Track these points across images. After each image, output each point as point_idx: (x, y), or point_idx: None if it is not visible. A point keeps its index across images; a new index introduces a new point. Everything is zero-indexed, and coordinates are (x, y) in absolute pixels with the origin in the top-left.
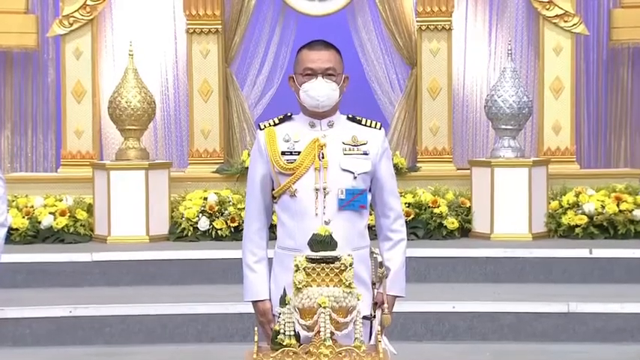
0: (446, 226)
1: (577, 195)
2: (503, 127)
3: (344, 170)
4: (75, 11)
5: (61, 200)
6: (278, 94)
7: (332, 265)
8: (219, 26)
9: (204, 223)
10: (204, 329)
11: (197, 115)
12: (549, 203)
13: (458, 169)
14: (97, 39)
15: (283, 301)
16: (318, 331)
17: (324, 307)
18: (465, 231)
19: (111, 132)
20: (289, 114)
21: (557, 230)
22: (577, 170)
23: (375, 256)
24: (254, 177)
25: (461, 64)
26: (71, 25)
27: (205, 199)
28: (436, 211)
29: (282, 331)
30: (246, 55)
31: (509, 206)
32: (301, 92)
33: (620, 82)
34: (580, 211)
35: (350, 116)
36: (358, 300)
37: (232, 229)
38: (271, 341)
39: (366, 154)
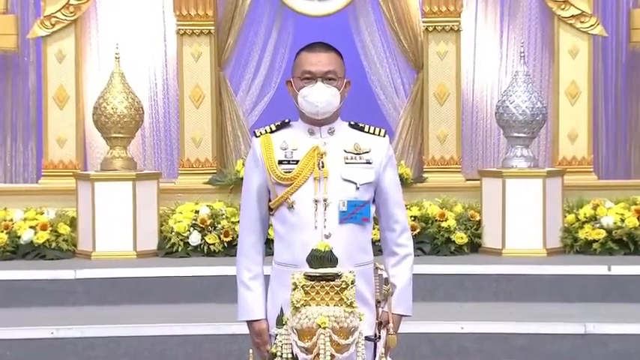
0: (454, 241)
1: (595, 208)
2: (516, 134)
3: (345, 180)
4: (57, 11)
5: (42, 213)
6: (274, 99)
7: (332, 283)
8: (212, 27)
9: (195, 238)
10: (195, 351)
11: (188, 122)
12: (565, 217)
13: (467, 180)
14: (81, 41)
15: (280, 321)
16: (318, 354)
17: (324, 328)
18: (474, 246)
19: (96, 140)
20: (287, 120)
21: (574, 245)
22: (595, 181)
23: (380, 272)
24: (249, 188)
25: (470, 67)
26: (53, 25)
27: (197, 212)
28: (444, 224)
29: (279, 353)
30: (240, 58)
31: (522, 220)
32: (299, 98)
33: None
34: (598, 225)
35: (352, 123)
36: (360, 320)
37: (226, 244)
38: None
39: (370, 163)
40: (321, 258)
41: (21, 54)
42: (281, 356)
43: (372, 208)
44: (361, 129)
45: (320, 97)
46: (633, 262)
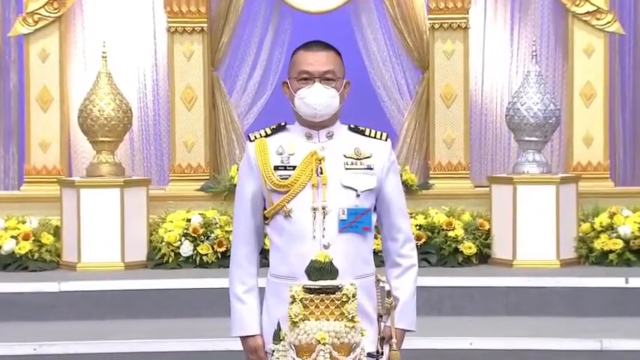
0: (462, 252)
1: (611, 216)
2: (527, 138)
3: (345, 187)
4: (40, 7)
5: (24, 222)
6: (271, 101)
7: (332, 296)
8: (205, 24)
9: (187, 248)
10: None
11: (179, 125)
12: (580, 226)
13: (475, 187)
14: (66, 39)
15: (277, 337)
16: None
17: (324, 344)
18: (483, 257)
19: (81, 145)
20: (283, 123)
21: (589, 256)
22: (611, 188)
23: (382, 284)
24: (243, 195)
25: (479, 67)
26: (36, 23)
27: (188, 220)
28: (451, 234)
29: None
30: (235, 58)
31: (534, 229)
32: (296, 99)
33: None
34: (615, 235)
35: (352, 126)
36: (362, 335)
37: (219, 255)
38: None
39: (371, 168)
40: (321, 269)
41: (2, 53)
42: None
43: (374, 217)
44: (362, 132)
45: (318, 98)
46: None
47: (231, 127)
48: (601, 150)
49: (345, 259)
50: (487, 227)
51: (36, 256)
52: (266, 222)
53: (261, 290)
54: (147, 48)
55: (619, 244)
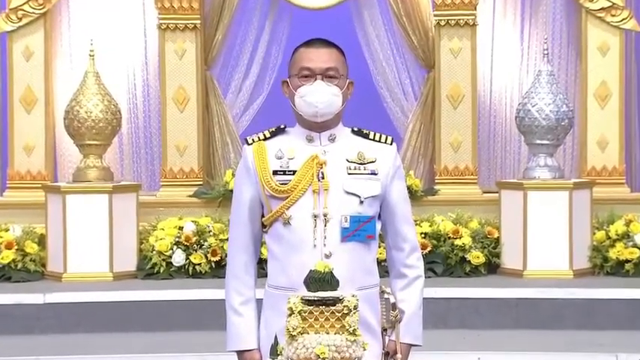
0: (469, 261)
1: (627, 224)
2: (539, 142)
3: (348, 193)
4: (24, 3)
5: (7, 230)
6: (267, 102)
7: (333, 308)
8: (198, 21)
9: (179, 258)
10: None
11: (171, 127)
12: (594, 234)
13: (484, 193)
14: (51, 37)
15: (275, 351)
16: None
17: (324, 359)
18: (492, 267)
19: (67, 148)
20: (282, 126)
21: (604, 266)
22: (627, 194)
23: (386, 296)
24: (240, 201)
25: (487, 66)
26: (20, 19)
27: (181, 228)
28: (458, 242)
29: None
30: (229, 56)
31: (546, 237)
32: (296, 98)
33: None
34: (631, 244)
35: (355, 129)
36: (364, 350)
37: (213, 265)
38: None
39: (375, 174)
40: (321, 280)
41: None
42: None
43: (378, 225)
44: (366, 136)
45: (320, 96)
46: None
47: (225, 130)
48: (616, 154)
49: (347, 270)
50: (496, 235)
51: (19, 265)
52: (264, 230)
53: (259, 302)
54: (137, 46)
55: (635, 254)
